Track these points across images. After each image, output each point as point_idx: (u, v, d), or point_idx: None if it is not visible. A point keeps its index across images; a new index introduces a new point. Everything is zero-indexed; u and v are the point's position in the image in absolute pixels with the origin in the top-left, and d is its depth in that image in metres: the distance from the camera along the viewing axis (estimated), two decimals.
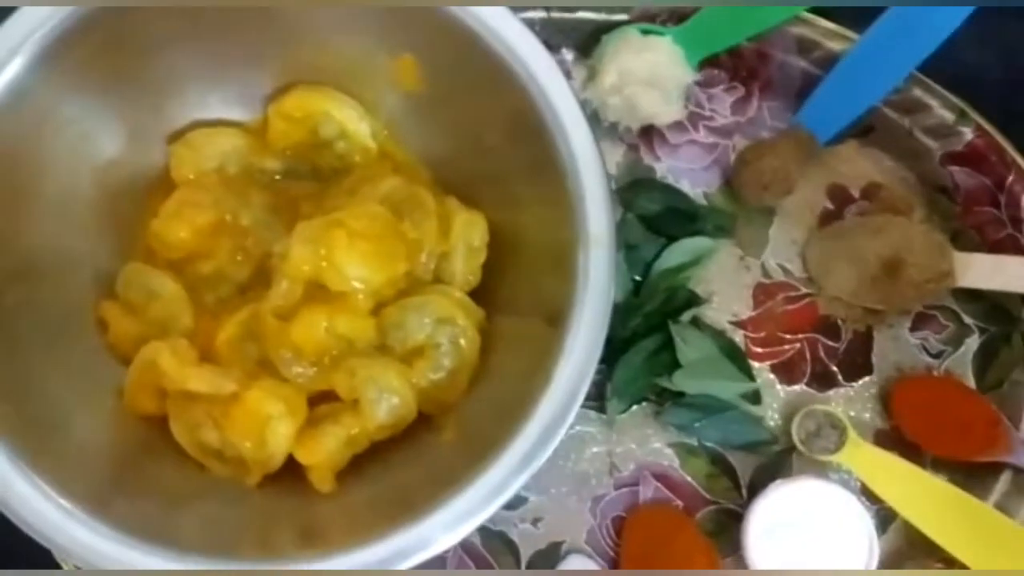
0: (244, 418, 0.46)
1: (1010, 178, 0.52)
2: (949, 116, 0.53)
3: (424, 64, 0.49)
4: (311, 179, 0.52)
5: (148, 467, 0.47)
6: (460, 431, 0.47)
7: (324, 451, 0.46)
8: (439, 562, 0.52)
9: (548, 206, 0.46)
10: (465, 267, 0.49)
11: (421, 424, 0.49)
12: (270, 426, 0.46)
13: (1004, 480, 0.52)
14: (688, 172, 0.55)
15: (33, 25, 0.42)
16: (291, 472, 0.47)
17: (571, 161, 0.44)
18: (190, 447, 0.47)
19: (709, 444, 0.53)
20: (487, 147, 0.49)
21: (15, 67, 0.42)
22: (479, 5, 0.44)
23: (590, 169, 0.44)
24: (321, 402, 0.48)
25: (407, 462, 0.48)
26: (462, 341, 0.48)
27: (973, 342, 0.54)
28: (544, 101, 0.45)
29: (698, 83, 0.55)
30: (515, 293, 0.49)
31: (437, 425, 0.48)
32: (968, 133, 0.53)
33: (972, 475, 0.52)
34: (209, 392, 0.45)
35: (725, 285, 0.54)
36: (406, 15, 0.46)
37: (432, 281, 0.49)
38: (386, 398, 0.47)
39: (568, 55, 0.55)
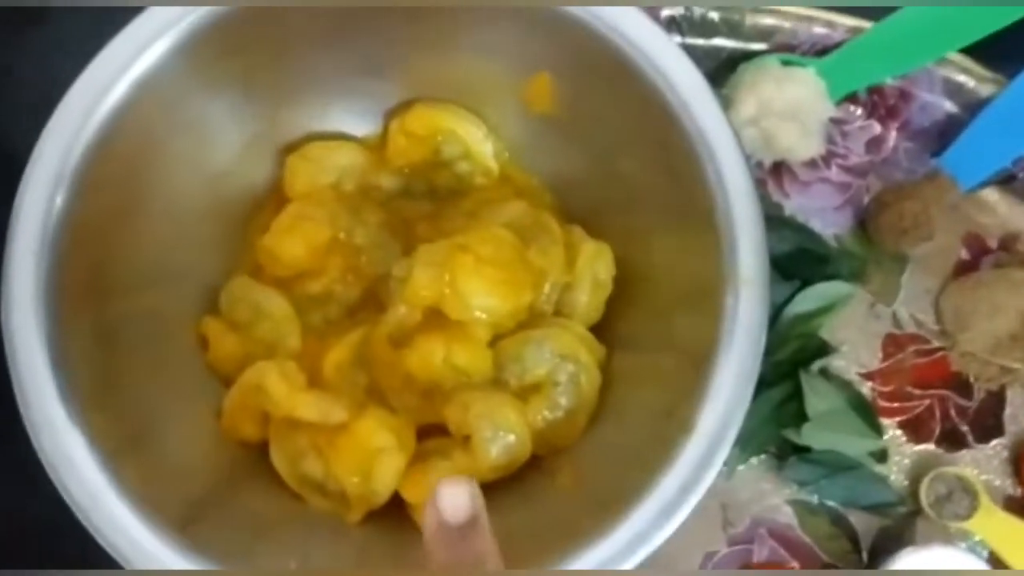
0: (352, 450, 0.43)
1: None
2: None
3: (561, 83, 0.46)
4: (427, 199, 0.49)
5: (241, 493, 0.44)
6: (578, 476, 0.44)
7: (431, 489, 0.43)
8: None
9: (689, 241, 0.43)
10: (589, 301, 0.46)
11: (532, 466, 0.46)
12: (379, 460, 0.43)
13: None
14: (819, 212, 0.52)
15: (170, 18, 0.40)
16: (394, 509, 0.44)
17: (723, 196, 0.41)
18: (290, 478, 0.44)
19: (830, 503, 0.50)
20: (620, 174, 0.46)
21: (151, 56, 0.40)
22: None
23: (744, 205, 0.41)
24: (427, 436, 0.45)
25: (517, 506, 0.45)
26: (583, 379, 0.45)
27: None
28: (695, 129, 0.42)
29: (832, 119, 0.52)
30: (640, 330, 0.46)
31: (550, 468, 0.45)
32: None
33: None
34: (317, 420, 0.43)
35: (854, 334, 0.51)
36: (543, 28, 0.44)
37: (553, 314, 0.47)
38: (501, 436, 0.44)
39: None
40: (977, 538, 0.49)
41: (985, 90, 0.50)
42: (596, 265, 0.46)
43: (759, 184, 0.52)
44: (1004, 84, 0.50)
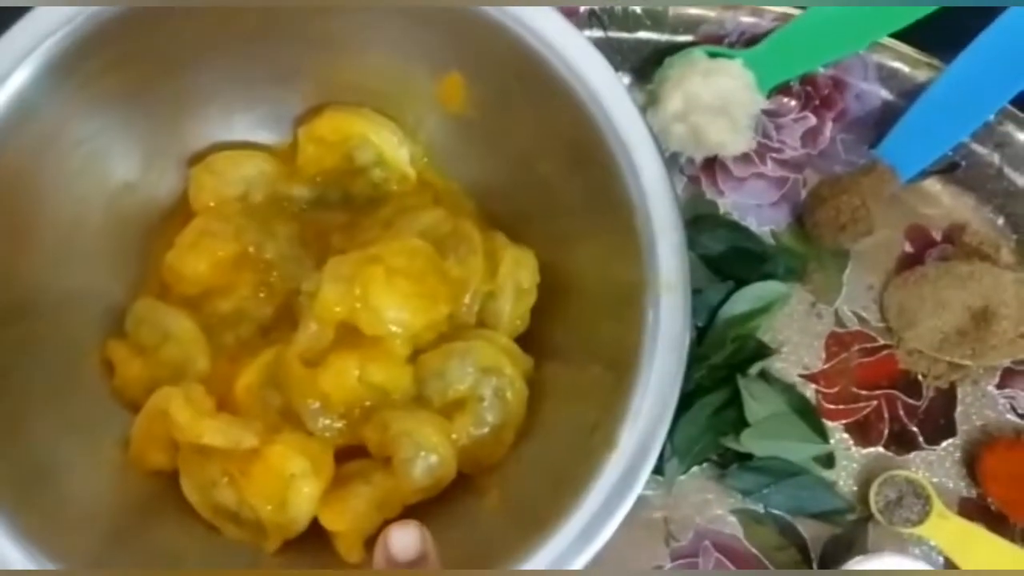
0: (264, 477, 0.40)
1: None
2: None
3: (473, 83, 0.44)
4: (343, 209, 0.47)
5: (153, 528, 0.41)
6: (505, 495, 0.42)
7: (352, 515, 0.41)
8: None
9: (610, 245, 0.41)
10: (513, 310, 0.44)
11: (459, 485, 0.43)
12: (293, 486, 0.40)
13: None
14: (754, 208, 0.50)
15: (44, 30, 0.37)
16: (314, 537, 0.42)
17: (640, 197, 0.39)
18: (202, 507, 0.42)
19: (777, 512, 0.48)
20: (540, 178, 0.44)
21: (20, 78, 0.37)
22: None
23: (662, 205, 0.39)
24: (348, 459, 0.43)
25: (444, 529, 0.42)
26: (508, 393, 0.43)
27: None
28: (610, 128, 0.40)
29: (765, 112, 0.50)
30: (568, 340, 0.44)
31: (478, 487, 0.43)
32: None
33: None
34: (226, 446, 0.40)
35: (795, 334, 0.49)
36: (454, 28, 0.42)
37: (475, 325, 0.44)
38: (423, 456, 0.42)
39: (625, 79, 0.50)
40: (932, 543, 0.47)
41: (921, 75, 0.48)
42: (519, 273, 0.44)
43: (691, 181, 0.50)
44: (940, 69, 0.48)
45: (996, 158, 0.49)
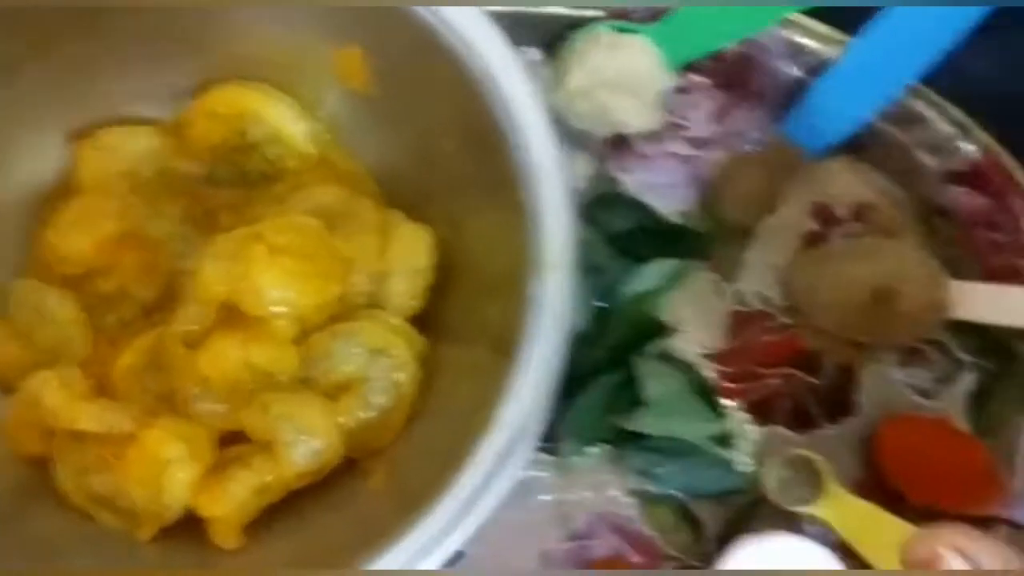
0: (139, 462, 0.40)
1: (1014, 201, 0.47)
2: (950, 131, 0.48)
3: (373, 57, 0.43)
4: (237, 186, 0.46)
5: (27, 516, 0.41)
6: (390, 478, 0.42)
7: (229, 501, 0.41)
8: None
9: (501, 224, 0.40)
10: (406, 290, 0.43)
11: (347, 469, 0.43)
12: (168, 472, 0.40)
13: (999, 536, 0.47)
14: (661, 187, 0.50)
15: None
16: (194, 524, 0.41)
17: (528, 173, 0.39)
18: (75, 494, 0.41)
19: (673, 492, 0.47)
20: (442, 156, 0.44)
21: None
22: None
23: (550, 183, 0.38)
24: (234, 444, 0.42)
25: (328, 514, 0.42)
26: (398, 375, 0.43)
27: (968, 381, 0.49)
28: (502, 105, 0.39)
29: (675, 89, 0.49)
30: (463, 321, 0.44)
31: (363, 469, 0.43)
32: (970, 150, 0.48)
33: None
34: (101, 431, 0.40)
35: (697, 313, 0.49)
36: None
37: (367, 306, 0.44)
38: (304, 440, 0.41)
39: (536, 55, 0.49)
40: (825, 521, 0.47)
41: (831, 52, 0.47)
42: (413, 251, 0.44)
43: (598, 159, 0.50)
44: (848, 45, 0.47)
45: (902, 136, 0.48)
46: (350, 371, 0.42)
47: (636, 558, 0.47)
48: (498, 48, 0.39)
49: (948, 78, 0.47)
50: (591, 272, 0.47)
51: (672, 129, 0.50)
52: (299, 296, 0.40)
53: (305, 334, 0.42)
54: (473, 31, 0.39)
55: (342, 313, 0.43)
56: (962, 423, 0.49)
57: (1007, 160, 0.47)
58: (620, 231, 0.48)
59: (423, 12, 0.39)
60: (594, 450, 0.47)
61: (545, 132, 0.39)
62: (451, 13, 0.39)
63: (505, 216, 0.39)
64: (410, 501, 0.38)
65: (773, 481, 0.47)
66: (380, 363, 0.42)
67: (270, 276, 0.40)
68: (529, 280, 0.38)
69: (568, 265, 0.38)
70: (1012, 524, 0.46)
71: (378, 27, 0.41)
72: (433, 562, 0.37)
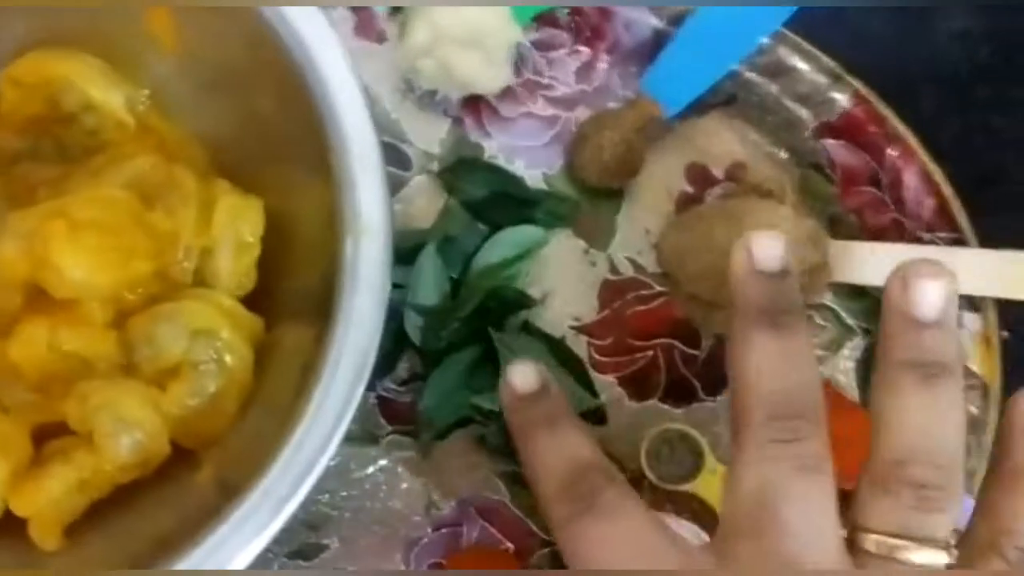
0: None
1: (893, 153, 0.45)
2: (822, 81, 0.45)
3: (179, 16, 0.40)
4: (57, 161, 0.43)
5: None
6: (219, 468, 0.38)
7: (46, 498, 0.37)
8: None
9: (320, 190, 0.37)
10: (234, 266, 0.40)
11: (180, 460, 0.40)
12: None
13: None
14: (524, 150, 0.47)
15: None
16: (16, 524, 0.38)
17: (336, 131, 0.36)
18: None
19: None
20: (262, 118, 0.40)
21: None
22: None
23: (359, 141, 0.35)
24: (55, 437, 0.39)
25: (158, 508, 0.39)
26: (228, 358, 0.39)
27: (855, 346, 0.46)
28: (310, 66, 0.36)
29: (535, 45, 0.47)
30: (292, 297, 0.40)
31: (198, 461, 0.40)
32: (844, 100, 0.45)
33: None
34: None
35: (566, 283, 0.46)
36: None
37: (194, 284, 0.40)
38: (126, 431, 0.38)
39: (380, 8, 0.46)
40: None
41: None
42: (239, 224, 0.40)
43: (455, 123, 0.47)
44: None
45: (773, 88, 0.46)
46: (175, 355, 0.39)
47: (507, 543, 0.44)
48: (306, 9, 0.37)
49: (821, 21, 0.45)
50: (445, 242, 0.44)
51: (534, 89, 0.47)
52: (105, 275, 0.37)
53: (123, 317, 0.39)
54: None
55: (165, 293, 0.39)
56: (851, 391, 0.46)
57: (882, 109, 0.45)
58: (478, 198, 0.45)
59: None
60: (461, 432, 0.45)
61: (355, 93, 0.36)
62: None
63: (323, 182, 0.36)
64: (231, 490, 0.35)
65: (651, 458, 0.44)
66: (207, 346, 0.39)
67: (71, 254, 0.36)
68: (344, 247, 0.35)
69: (383, 231, 0.35)
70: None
71: None
72: (240, 560, 0.34)
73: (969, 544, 0.33)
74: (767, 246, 0.35)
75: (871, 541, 0.31)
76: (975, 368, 0.44)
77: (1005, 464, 0.34)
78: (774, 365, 0.33)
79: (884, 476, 0.32)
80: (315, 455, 0.34)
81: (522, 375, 0.37)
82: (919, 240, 0.45)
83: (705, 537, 0.41)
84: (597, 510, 0.33)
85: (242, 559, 0.34)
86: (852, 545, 0.32)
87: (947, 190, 0.45)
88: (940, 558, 0.31)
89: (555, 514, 0.34)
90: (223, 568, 0.33)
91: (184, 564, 0.34)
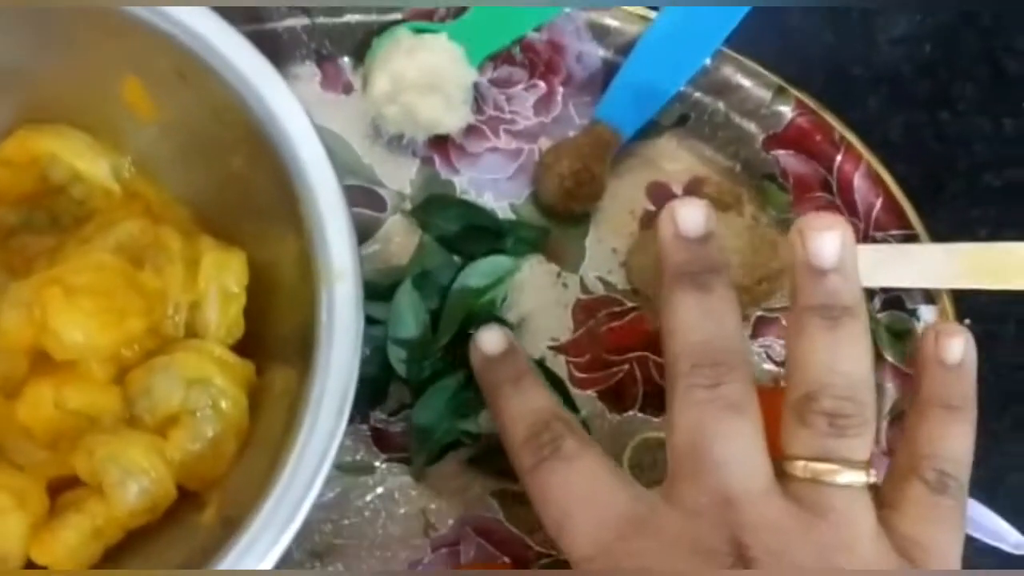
0: None
1: (839, 158, 0.47)
2: (766, 95, 0.47)
3: (152, 86, 0.42)
4: (51, 231, 0.45)
5: None
6: (222, 506, 0.41)
7: (63, 547, 0.39)
8: None
9: (294, 238, 0.40)
10: (221, 316, 0.43)
11: (186, 502, 0.42)
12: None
13: None
14: (491, 183, 0.49)
15: None
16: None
17: (302, 182, 0.38)
18: None
19: None
20: (238, 177, 0.43)
21: None
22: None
23: (324, 190, 0.38)
24: (68, 489, 0.42)
25: (167, 551, 0.41)
26: (223, 403, 0.42)
27: None
28: (269, 118, 0.39)
29: (494, 83, 0.49)
30: (278, 341, 0.43)
31: (200, 502, 0.42)
32: (788, 112, 0.47)
33: None
34: None
35: (541, 306, 0.48)
36: (118, 30, 0.40)
37: (186, 336, 0.43)
38: (132, 479, 0.40)
39: (346, 63, 0.49)
40: None
41: (634, 29, 0.47)
42: (223, 276, 0.43)
43: (424, 163, 0.49)
44: (652, 20, 0.47)
45: (721, 105, 0.48)
46: (174, 405, 0.41)
47: (504, 558, 0.46)
48: (253, 61, 0.39)
49: (761, 39, 0.47)
50: (421, 277, 0.46)
51: (497, 124, 0.49)
52: (98, 336, 0.39)
53: (122, 372, 0.41)
54: (228, 50, 0.39)
55: (160, 347, 0.42)
56: None
57: (827, 117, 0.47)
58: (451, 232, 0.47)
59: (181, 35, 0.39)
60: (452, 455, 0.47)
61: (314, 141, 0.38)
62: (208, 35, 0.39)
63: (296, 232, 0.39)
64: (234, 528, 0.38)
65: (633, 468, 0.46)
66: (202, 393, 0.41)
67: (67, 318, 0.39)
68: (318, 292, 0.37)
69: (353, 273, 0.37)
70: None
71: (143, 52, 0.41)
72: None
73: (893, 472, 0.36)
74: (689, 213, 0.38)
75: (797, 467, 0.35)
76: None
77: (919, 396, 0.38)
78: (696, 319, 0.36)
79: (800, 410, 0.35)
80: (306, 487, 0.36)
81: (489, 338, 0.42)
82: (873, 240, 0.47)
83: None
84: (559, 456, 0.37)
85: None
86: (783, 473, 0.35)
87: (896, 189, 0.47)
88: (860, 478, 0.35)
89: (522, 462, 0.38)
90: None
91: None
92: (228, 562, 0.36)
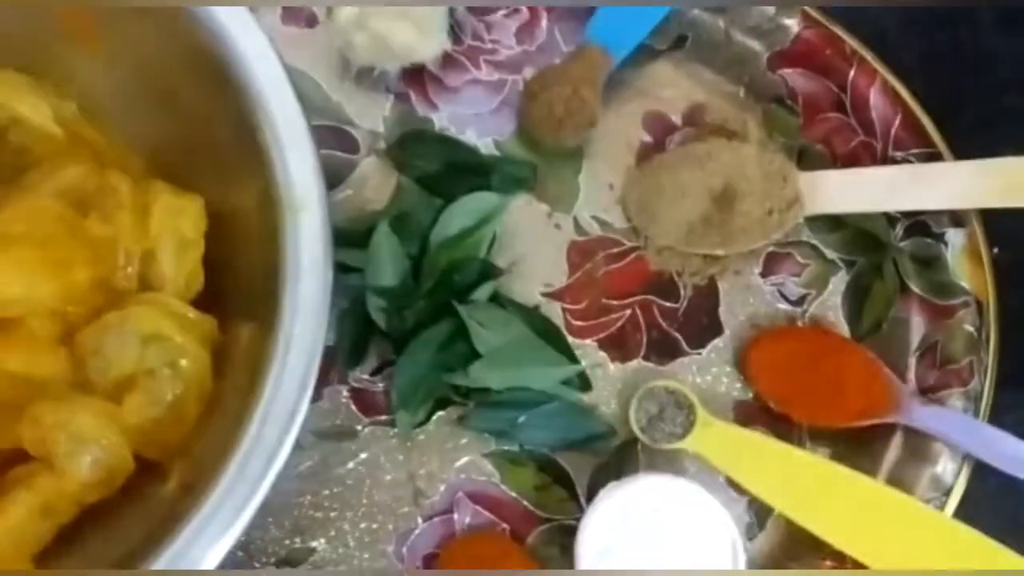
0: None
1: (851, 73, 0.43)
2: (769, 8, 0.43)
3: (99, 17, 0.38)
4: None
5: None
6: (186, 476, 0.37)
7: (10, 526, 0.35)
8: None
9: (255, 177, 0.35)
10: (177, 266, 0.38)
11: (148, 474, 0.38)
12: None
13: (895, 445, 0.42)
14: (473, 119, 0.45)
15: None
16: None
17: (263, 111, 0.34)
18: None
19: (533, 448, 0.43)
20: (192, 115, 0.39)
21: None
22: None
23: (285, 118, 0.34)
24: (19, 462, 0.38)
25: (128, 525, 0.37)
26: (183, 362, 0.37)
27: (840, 280, 0.45)
28: (224, 43, 0.35)
29: (472, 10, 0.45)
30: (244, 294, 0.39)
31: (163, 472, 0.38)
32: (794, 26, 0.43)
33: (857, 443, 0.43)
34: None
35: (533, 249, 0.44)
36: None
37: (140, 290, 0.39)
38: (85, 448, 0.36)
39: None
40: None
41: None
42: (179, 222, 0.38)
43: (399, 99, 0.45)
44: None
45: (721, 23, 0.44)
46: (128, 365, 0.37)
47: (503, 525, 0.42)
48: None
49: None
50: (398, 220, 0.42)
51: (476, 54, 0.45)
52: (39, 287, 0.35)
53: (70, 333, 0.37)
54: None
55: (111, 303, 0.38)
56: (841, 327, 0.44)
57: (836, 29, 0.43)
58: (430, 172, 0.43)
59: None
60: (442, 415, 0.43)
61: (274, 65, 0.34)
62: None
63: (257, 167, 0.35)
64: (199, 497, 0.33)
65: (641, 419, 0.42)
66: (160, 351, 0.37)
67: (3, 269, 0.35)
68: (282, 225, 0.33)
69: (319, 205, 0.33)
70: (908, 429, 0.42)
71: None
72: (219, 552, 0.32)
73: None
74: None
75: None
76: (965, 284, 0.42)
77: None
78: None
79: None
80: (273, 448, 0.32)
81: None
82: (892, 161, 0.43)
83: (711, 497, 0.39)
84: None
85: (210, 560, 0.32)
86: None
87: (914, 105, 0.43)
88: None
89: None
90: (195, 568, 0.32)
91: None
92: (189, 532, 0.32)
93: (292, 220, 0.33)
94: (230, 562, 0.41)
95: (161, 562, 0.32)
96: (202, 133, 0.39)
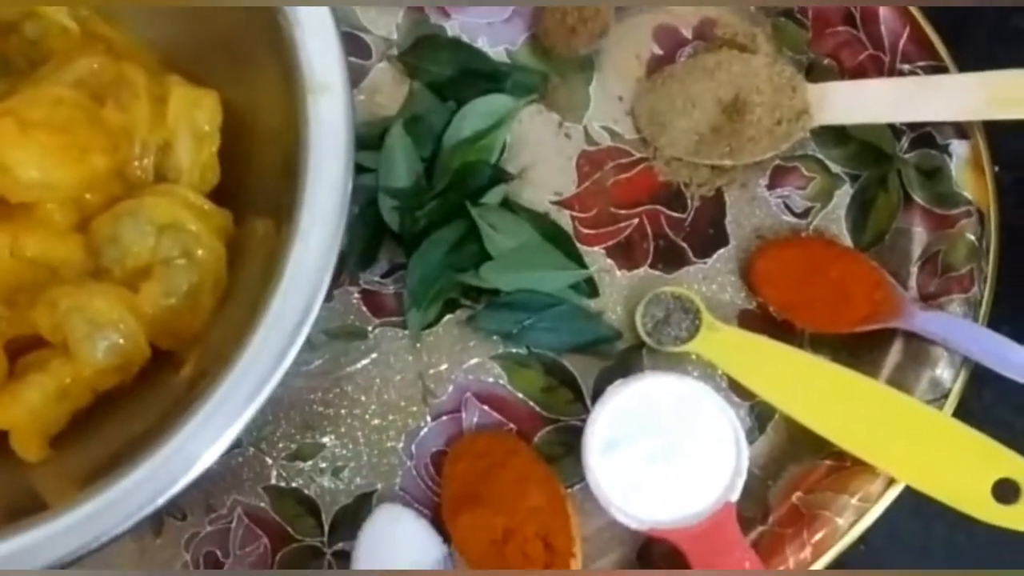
0: None
1: None
2: None
3: None
4: (4, 76, 0.41)
5: None
6: (200, 365, 0.37)
7: (24, 409, 0.36)
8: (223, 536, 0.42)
9: (275, 62, 0.36)
10: (193, 158, 0.39)
11: (163, 362, 0.38)
12: None
13: (895, 350, 0.43)
14: (485, 28, 0.45)
15: None
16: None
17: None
18: None
19: (540, 350, 0.43)
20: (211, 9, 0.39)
21: None
22: None
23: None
24: (32, 349, 0.38)
25: (141, 412, 0.37)
26: (199, 251, 0.38)
27: (844, 192, 0.45)
28: None
29: None
30: (262, 188, 0.39)
31: (177, 361, 0.38)
32: None
33: (858, 349, 0.43)
34: None
35: (543, 158, 0.45)
36: None
37: (156, 181, 0.39)
38: (101, 333, 0.36)
39: None
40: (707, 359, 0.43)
41: None
42: (195, 114, 0.39)
43: (411, 10, 0.45)
44: None
45: None
46: (144, 254, 0.37)
47: (510, 424, 0.43)
48: None
49: None
50: (412, 122, 0.42)
51: None
52: (60, 173, 0.35)
53: (86, 220, 0.38)
54: None
55: (127, 192, 0.38)
56: (845, 239, 0.45)
57: None
58: (443, 77, 0.44)
59: None
60: (451, 316, 0.43)
61: None
62: None
63: (276, 55, 0.35)
64: (212, 384, 0.34)
65: (647, 323, 0.43)
66: (175, 240, 0.38)
67: (22, 154, 0.35)
68: (300, 105, 0.34)
69: (341, 87, 0.33)
70: (908, 334, 0.43)
71: None
72: (224, 442, 0.32)
73: None
74: None
75: None
76: (967, 195, 0.43)
77: None
78: None
79: None
80: (285, 343, 0.33)
81: None
82: (900, 73, 0.43)
83: (715, 395, 0.39)
84: None
85: (215, 450, 0.32)
86: None
87: (923, 21, 0.43)
88: None
89: None
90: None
91: (156, 457, 0.32)
92: (200, 417, 0.32)
93: (313, 103, 0.33)
94: (241, 455, 0.42)
95: (171, 446, 0.32)
96: (219, 25, 0.39)
